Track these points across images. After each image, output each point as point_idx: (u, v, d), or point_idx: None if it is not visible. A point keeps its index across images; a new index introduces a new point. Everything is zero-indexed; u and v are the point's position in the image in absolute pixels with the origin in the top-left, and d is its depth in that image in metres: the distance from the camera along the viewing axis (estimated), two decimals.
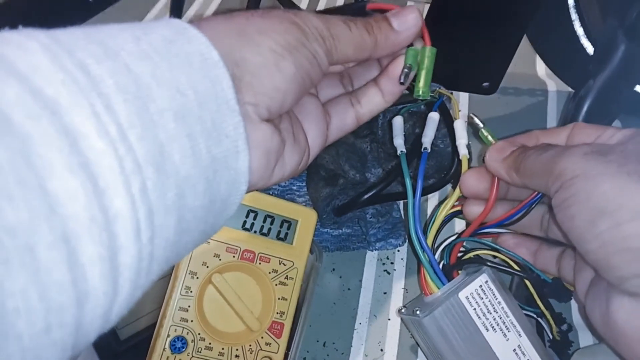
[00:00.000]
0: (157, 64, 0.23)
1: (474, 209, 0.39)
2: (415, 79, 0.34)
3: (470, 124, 0.40)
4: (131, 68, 0.22)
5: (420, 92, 0.34)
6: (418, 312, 0.38)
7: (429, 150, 0.42)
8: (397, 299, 0.46)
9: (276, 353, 0.40)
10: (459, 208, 0.41)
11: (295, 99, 0.30)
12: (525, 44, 0.54)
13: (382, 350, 0.44)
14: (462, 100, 0.61)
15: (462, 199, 0.41)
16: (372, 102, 0.35)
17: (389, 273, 0.48)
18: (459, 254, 0.41)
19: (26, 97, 0.19)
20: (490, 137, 0.39)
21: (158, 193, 0.22)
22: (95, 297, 0.20)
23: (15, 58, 0.20)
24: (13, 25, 0.40)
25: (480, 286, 0.38)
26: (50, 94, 0.19)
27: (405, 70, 0.34)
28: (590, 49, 0.53)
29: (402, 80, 0.34)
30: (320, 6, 0.78)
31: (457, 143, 0.42)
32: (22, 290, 0.17)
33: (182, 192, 0.23)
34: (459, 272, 0.40)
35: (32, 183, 0.18)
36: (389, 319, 0.45)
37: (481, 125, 0.39)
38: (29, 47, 0.20)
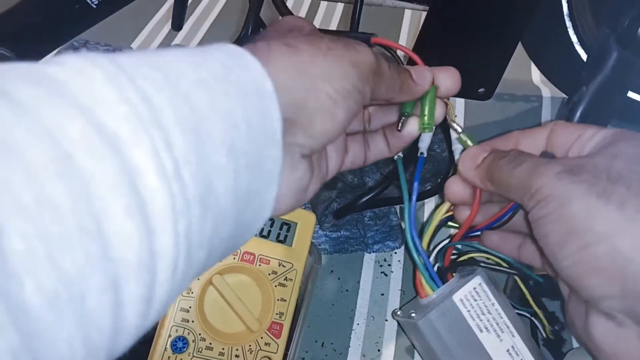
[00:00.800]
0: (214, 93, 0.23)
1: (464, 213, 0.40)
2: (420, 114, 0.37)
3: (451, 129, 0.41)
4: (190, 97, 0.22)
5: (425, 125, 0.37)
6: (413, 315, 0.39)
7: (425, 155, 0.43)
8: (394, 300, 0.47)
9: (275, 353, 0.41)
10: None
11: (337, 137, 0.31)
12: (520, 51, 0.55)
13: (379, 350, 0.44)
14: (458, 106, 0.62)
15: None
16: (378, 148, 0.38)
17: (386, 275, 0.49)
18: (453, 257, 0.42)
19: (90, 134, 0.19)
20: (469, 142, 0.39)
21: (199, 229, 0.22)
22: (128, 331, 0.20)
23: (79, 88, 0.20)
24: (17, 32, 0.41)
25: (474, 288, 0.39)
26: (113, 128, 0.19)
27: (403, 118, 0.36)
28: (584, 56, 0.54)
29: (399, 128, 0.36)
30: (319, 14, 0.79)
31: (453, 149, 0.43)
32: (68, 338, 0.18)
33: (217, 225, 0.24)
34: (453, 274, 0.41)
35: (90, 227, 0.18)
36: (386, 320, 0.46)
37: (460, 130, 0.39)
38: (93, 75, 0.20)
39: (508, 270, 0.40)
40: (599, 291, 0.29)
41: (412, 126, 0.37)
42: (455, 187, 0.39)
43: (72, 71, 0.20)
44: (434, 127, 0.38)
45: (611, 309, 0.29)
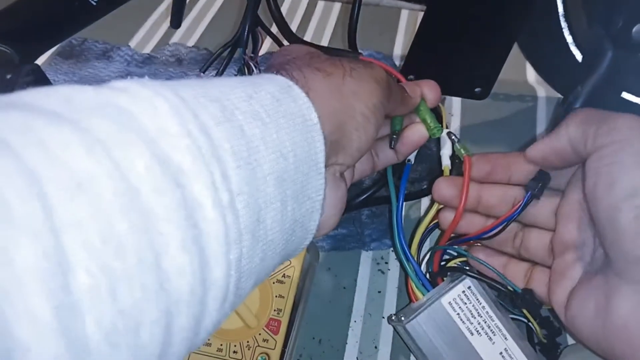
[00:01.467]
0: (266, 125, 0.25)
1: (448, 216, 0.40)
2: (424, 122, 0.39)
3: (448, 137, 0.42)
4: (245, 130, 0.24)
5: (435, 131, 0.39)
6: (402, 318, 0.39)
7: (412, 162, 0.43)
8: (391, 298, 0.47)
9: (273, 349, 0.41)
10: None
11: (367, 151, 0.33)
12: (516, 51, 0.55)
13: (376, 347, 0.45)
14: (454, 105, 0.63)
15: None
16: (386, 156, 0.40)
17: (383, 272, 0.49)
18: (443, 262, 0.42)
19: (155, 168, 0.20)
20: (463, 151, 0.40)
21: (249, 259, 0.23)
22: (173, 358, 0.21)
23: (148, 119, 0.21)
24: (17, 29, 0.41)
25: (463, 292, 0.39)
26: (176, 161, 0.20)
27: (394, 136, 0.38)
28: (579, 56, 0.55)
29: (392, 146, 0.38)
30: (316, 14, 0.80)
31: (441, 153, 0.44)
32: None
33: (265, 255, 0.25)
34: (443, 278, 0.41)
35: (149, 261, 0.19)
36: (383, 318, 0.46)
37: (456, 140, 0.41)
38: (158, 106, 0.21)
39: (489, 281, 0.40)
40: None
41: (417, 134, 0.39)
42: (443, 187, 0.40)
43: (141, 102, 0.21)
44: (442, 130, 0.40)
45: None
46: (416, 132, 0.39)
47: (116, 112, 0.21)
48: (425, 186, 0.51)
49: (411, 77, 0.49)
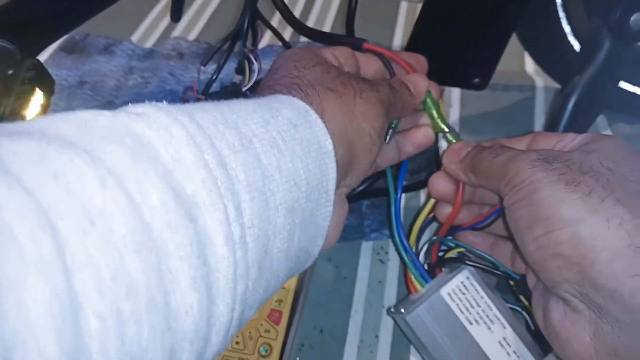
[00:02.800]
0: (282, 152, 0.25)
1: (445, 210, 0.41)
2: (432, 121, 0.40)
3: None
4: (261, 159, 0.24)
5: (442, 127, 0.40)
6: (402, 310, 0.39)
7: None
8: (391, 288, 0.48)
9: (275, 339, 0.41)
10: None
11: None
12: (514, 41, 0.55)
13: (377, 336, 0.45)
14: (453, 96, 0.63)
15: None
16: (388, 156, 0.40)
17: (383, 262, 0.50)
18: (440, 253, 0.42)
19: (168, 202, 0.19)
20: (455, 142, 0.40)
21: (253, 291, 0.23)
22: None
23: (164, 149, 0.20)
24: (18, 24, 0.41)
25: (462, 282, 0.39)
26: (190, 193, 0.20)
27: (390, 130, 0.38)
28: (577, 46, 0.55)
29: (386, 141, 0.38)
30: (316, 7, 0.80)
31: (438, 145, 0.44)
32: None
33: (269, 284, 0.25)
34: (442, 269, 0.42)
35: (158, 301, 0.19)
36: (383, 307, 0.47)
37: (447, 130, 0.41)
38: (175, 134, 0.21)
39: (489, 269, 0.40)
40: (558, 275, 0.30)
41: (423, 136, 0.40)
42: (439, 183, 0.40)
43: (158, 129, 0.21)
44: (448, 126, 0.40)
45: (568, 293, 0.30)
46: (422, 134, 0.40)
47: (132, 140, 0.20)
48: (424, 177, 0.51)
49: None
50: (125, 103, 0.64)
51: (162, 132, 0.21)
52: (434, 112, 0.39)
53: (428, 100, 0.39)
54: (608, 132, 0.59)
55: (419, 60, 0.41)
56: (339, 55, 0.37)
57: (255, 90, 0.52)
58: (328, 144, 0.28)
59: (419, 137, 0.40)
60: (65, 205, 0.18)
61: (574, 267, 0.29)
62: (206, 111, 0.24)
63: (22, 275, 0.16)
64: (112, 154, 0.19)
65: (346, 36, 0.44)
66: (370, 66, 0.39)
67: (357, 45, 0.40)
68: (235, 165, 0.22)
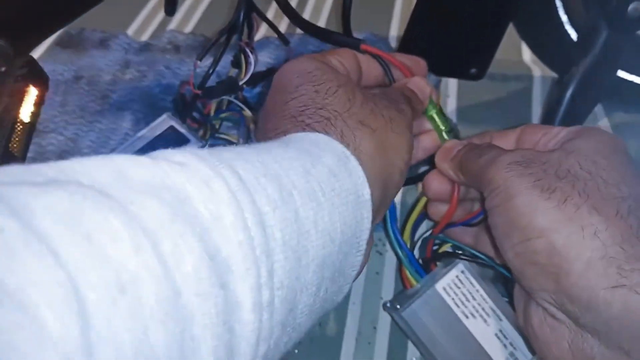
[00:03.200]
0: (321, 205, 0.24)
1: (438, 208, 0.40)
2: (435, 128, 0.40)
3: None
4: (299, 214, 0.23)
5: (445, 132, 0.40)
6: (398, 307, 0.39)
7: None
8: (389, 279, 0.48)
9: None
10: None
11: None
12: (511, 31, 0.55)
13: (374, 328, 0.45)
14: (450, 87, 0.63)
15: None
16: None
17: (381, 254, 0.50)
18: (435, 247, 0.42)
19: (202, 268, 0.19)
20: (446, 137, 0.40)
21: (275, 349, 0.23)
22: None
23: (201, 204, 0.20)
24: (11, 20, 0.41)
25: (457, 276, 0.39)
26: (225, 255, 0.20)
27: None
28: (574, 35, 0.55)
29: None
30: (309, 6, 0.79)
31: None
32: None
33: (291, 339, 0.24)
34: (437, 264, 0.42)
35: None
36: (381, 298, 0.47)
37: (447, 130, 0.41)
38: (216, 190, 0.20)
39: (482, 262, 0.40)
40: (536, 284, 0.30)
41: (427, 142, 0.40)
42: (434, 182, 0.39)
43: (199, 184, 0.20)
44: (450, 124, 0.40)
45: (546, 301, 0.30)
46: (431, 139, 0.39)
47: (171, 194, 0.20)
48: (422, 170, 0.51)
49: None
50: (122, 97, 0.63)
51: (203, 186, 0.20)
52: (435, 115, 0.39)
53: (432, 105, 0.39)
54: (605, 121, 0.59)
55: (419, 64, 0.40)
56: (344, 61, 0.36)
57: (251, 84, 0.52)
58: (366, 192, 0.27)
59: (428, 142, 0.39)
60: (96, 273, 0.17)
61: (550, 277, 0.29)
62: (248, 161, 0.23)
63: (40, 354, 0.15)
64: (150, 210, 0.19)
65: (344, 35, 0.43)
66: (371, 71, 0.39)
67: (354, 45, 0.39)
68: (274, 222, 0.22)
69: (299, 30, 0.55)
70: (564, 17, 0.55)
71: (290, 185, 0.24)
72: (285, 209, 0.23)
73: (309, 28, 0.44)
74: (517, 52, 0.67)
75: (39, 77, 0.38)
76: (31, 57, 0.38)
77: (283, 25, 0.68)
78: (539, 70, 0.64)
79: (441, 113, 0.40)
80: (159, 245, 0.18)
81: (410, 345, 0.44)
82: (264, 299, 0.21)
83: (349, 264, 0.27)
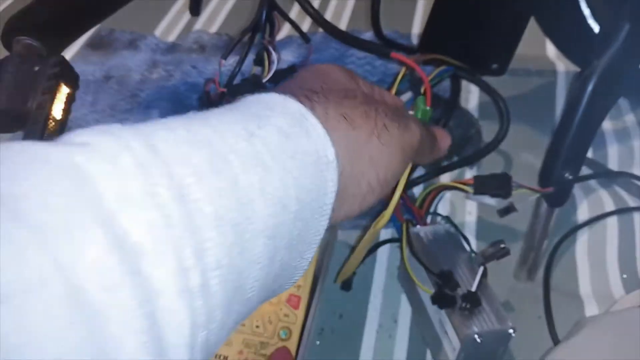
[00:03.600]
0: (268, 170, 0.21)
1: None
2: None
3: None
4: (239, 182, 0.20)
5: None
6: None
7: None
8: None
9: (294, 323, 0.43)
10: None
11: None
12: (535, 26, 0.55)
13: (395, 321, 0.46)
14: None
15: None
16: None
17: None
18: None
19: (106, 258, 0.16)
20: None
21: (220, 331, 0.20)
22: None
23: (106, 184, 0.17)
24: (43, 22, 0.43)
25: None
26: (135, 240, 0.17)
27: None
28: (596, 29, 0.55)
29: None
30: (332, 3, 0.80)
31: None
32: None
33: (240, 315, 0.22)
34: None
35: None
36: (402, 292, 0.47)
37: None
38: (120, 162, 0.18)
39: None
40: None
41: (447, 141, 0.38)
42: None
43: (102, 161, 0.18)
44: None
45: None
46: (447, 138, 0.37)
47: (70, 179, 0.17)
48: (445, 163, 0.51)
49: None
50: (150, 96, 0.65)
51: (105, 164, 0.18)
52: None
53: (420, 104, 0.38)
54: (630, 116, 0.58)
55: (444, 138, 0.37)
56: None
57: (274, 81, 0.53)
58: (330, 153, 0.24)
59: (446, 141, 0.37)
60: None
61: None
62: (171, 129, 0.20)
63: None
64: (42, 202, 0.16)
65: (371, 42, 0.42)
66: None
67: (384, 55, 0.39)
68: (200, 195, 0.19)
69: (320, 29, 0.55)
70: (586, 11, 0.54)
71: (226, 149, 0.21)
72: (217, 179, 0.20)
73: (333, 31, 0.44)
74: (541, 48, 0.67)
75: (69, 75, 0.39)
76: (62, 56, 0.40)
77: (306, 25, 0.69)
78: (562, 66, 0.64)
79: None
80: (50, 243, 0.16)
81: None
82: (193, 284, 0.18)
83: (312, 230, 0.24)
